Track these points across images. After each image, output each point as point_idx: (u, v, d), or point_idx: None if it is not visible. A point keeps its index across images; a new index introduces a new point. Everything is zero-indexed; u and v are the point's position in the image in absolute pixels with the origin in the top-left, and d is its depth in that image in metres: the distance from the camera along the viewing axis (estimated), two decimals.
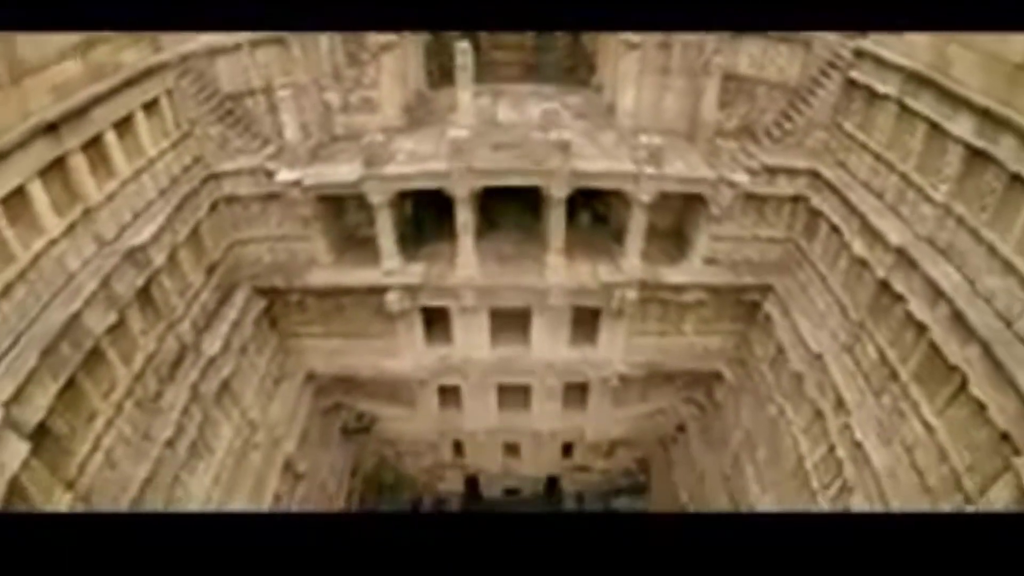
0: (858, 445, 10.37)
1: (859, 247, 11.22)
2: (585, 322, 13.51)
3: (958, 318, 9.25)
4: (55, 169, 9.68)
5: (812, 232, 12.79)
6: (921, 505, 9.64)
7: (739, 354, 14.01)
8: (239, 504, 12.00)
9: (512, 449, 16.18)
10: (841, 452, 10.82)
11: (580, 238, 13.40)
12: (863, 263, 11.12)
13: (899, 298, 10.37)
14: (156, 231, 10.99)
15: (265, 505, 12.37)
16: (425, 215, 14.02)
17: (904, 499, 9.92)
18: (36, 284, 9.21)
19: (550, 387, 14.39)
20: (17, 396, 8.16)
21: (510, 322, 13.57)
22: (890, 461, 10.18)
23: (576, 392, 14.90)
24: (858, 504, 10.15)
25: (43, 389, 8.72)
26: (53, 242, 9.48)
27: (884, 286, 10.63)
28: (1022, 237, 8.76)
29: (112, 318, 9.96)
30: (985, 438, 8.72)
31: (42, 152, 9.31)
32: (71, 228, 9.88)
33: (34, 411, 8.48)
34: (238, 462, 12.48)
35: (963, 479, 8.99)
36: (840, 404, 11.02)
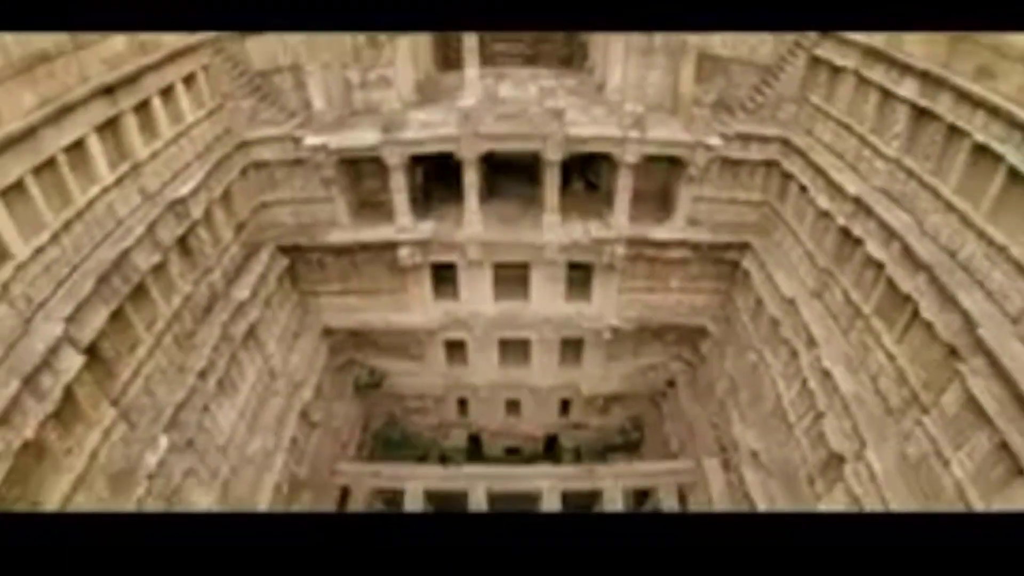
0: (827, 374, 11.44)
1: (823, 201, 12.42)
2: (580, 279, 14.72)
3: (908, 253, 10.41)
4: (109, 127, 10.90)
5: (784, 194, 14.02)
6: (883, 421, 10.69)
7: (723, 310, 15.13)
8: (261, 439, 12.91)
9: (513, 406, 17.12)
10: (813, 384, 11.85)
11: (574, 203, 14.63)
12: (827, 215, 12.32)
13: (858, 242, 11.56)
14: (194, 187, 12.16)
15: (284, 443, 13.26)
16: (433, 183, 15.29)
17: (868, 420, 10.93)
18: (91, 225, 10.35)
19: (548, 340, 15.52)
20: (74, 316, 9.23)
21: (511, 279, 14.82)
22: (856, 387, 11.22)
23: (572, 348, 16.02)
24: (828, 427, 11.12)
25: (96, 313, 9.79)
26: (106, 190, 10.66)
27: (845, 233, 11.83)
28: (960, 180, 9.99)
29: (156, 259, 11.08)
30: (936, 355, 9.82)
31: (100, 111, 10.53)
32: (121, 180, 11.06)
33: (88, 331, 9.56)
34: (260, 403, 13.49)
35: (920, 395, 10.05)
36: (811, 342, 12.10)
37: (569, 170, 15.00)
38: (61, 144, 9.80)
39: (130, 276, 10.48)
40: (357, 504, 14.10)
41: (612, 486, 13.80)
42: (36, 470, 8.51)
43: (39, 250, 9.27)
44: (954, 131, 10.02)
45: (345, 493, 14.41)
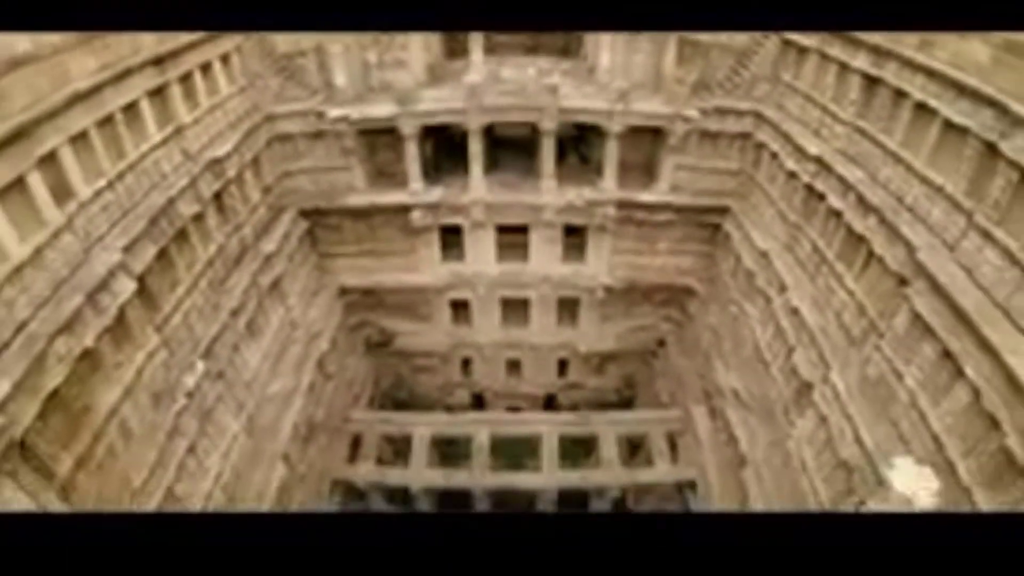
0: (796, 312, 12.59)
1: (791, 163, 13.69)
2: (575, 242, 15.91)
3: (862, 201, 11.63)
4: (158, 94, 12.23)
5: (758, 162, 15.31)
6: (846, 349, 11.78)
7: (707, 271, 16.35)
8: (281, 381, 13.95)
9: (514, 366, 18.19)
10: (784, 323, 12.99)
11: (568, 173, 15.95)
12: (794, 176, 13.58)
13: (822, 197, 12.80)
14: (229, 151, 13.48)
15: (303, 387, 14.30)
16: (441, 157, 16.59)
17: (832, 349, 12.04)
18: (141, 176, 11.61)
19: (546, 300, 16.69)
20: (128, 249, 10.39)
21: (512, 241, 16.10)
22: (822, 322, 12.35)
23: (568, 307, 17.20)
24: (798, 359, 12.20)
25: (145, 250, 11.00)
26: (154, 147, 11.93)
27: (810, 190, 13.07)
28: (904, 134, 11.26)
29: (196, 208, 12.32)
30: (888, 286, 10.98)
31: (151, 79, 11.86)
32: (166, 140, 12.35)
33: (139, 264, 10.74)
34: (282, 349, 14.66)
35: (876, 323, 11.16)
36: (783, 288, 13.27)
37: (564, 146, 16.38)
38: (119, 104, 11.11)
39: (174, 221, 11.72)
40: (369, 448, 15.06)
41: (606, 432, 14.81)
42: (91, 378, 9.61)
43: (98, 193, 10.52)
44: (899, 94, 11.36)
45: (357, 440, 15.35)
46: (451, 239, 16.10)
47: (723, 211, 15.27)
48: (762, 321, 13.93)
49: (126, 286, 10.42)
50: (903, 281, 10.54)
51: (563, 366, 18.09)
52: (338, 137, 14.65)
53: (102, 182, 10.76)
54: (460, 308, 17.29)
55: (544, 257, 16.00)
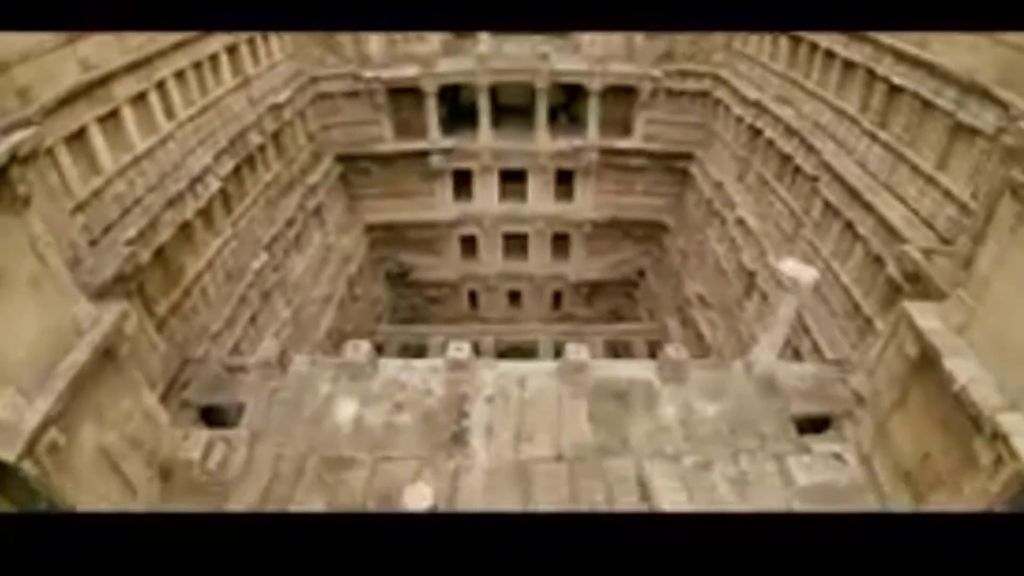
0: (742, 221, 15.23)
1: (738, 110, 16.55)
2: (564, 183, 18.70)
3: (788, 129, 14.42)
4: (232, 51, 15.28)
5: (716, 115, 18.21)
6: (780, 243, 14.36)
7: (677, 209, 19.07)
8: (320, 289, 16.55)
9: (515, 298, 20.80)
10: (734, 233, 15.62)
11: (559, 130, 18.90)
12: (740, 119, 16.42)
13: (760, 132, 15.59)
14: (285, 100, 16.41)
15: (335, 299, 16.87)
16: (454, 117, 19.53)
17: (772, 245, 14.63)
18: (222, 111, 14.48)
19: (541, 233, 19.41)
20: (215, 158, 13.18)
21: (513, 185, 18.82)
22: (764, 227, 14.97)
23: (561, 242, 19.82)
24: (745, 256, 14.82)
25: (225, 163, 13.73)
26: (229, 91, 14.86)
27: (752, 128, 15.88)
28: (818, 74, 14.11)
29: (260, 140, 15.15)
30: (807, 190, 13.68)
31: (227, 38, 14.93)
32: (238, 87, 15.28)
33: (221, 171, 13.48)
34: (320, 264, 17.36)
35: (801, 217, 13.81)
36: (733, 206, 15.92)
37: (555, 111, 19.38)
38: (206, 53, 14.17)
39: (246, 146, 14.57)
40: (389, 355, 17.54)
41: (595, 341, 17.28)
42: (185, 247, 12.28)
43: (191, 117, 13.42)
44: (813, 47, 14.35)
45: (379, 349, 17.80)
46: (462, 182, 18.98)
47: (688, 157, 18.13)
48: (719, 239, 16.59)
49: (213, 184, 13.23)
50: (815, 179, 13.33)
51: (557, 298, 20.66)
52: (370, 95, 17.67)
53: (194, 109, 13.74)
54: (468, 243, 19.98)
55: (539, 197, 18.85)
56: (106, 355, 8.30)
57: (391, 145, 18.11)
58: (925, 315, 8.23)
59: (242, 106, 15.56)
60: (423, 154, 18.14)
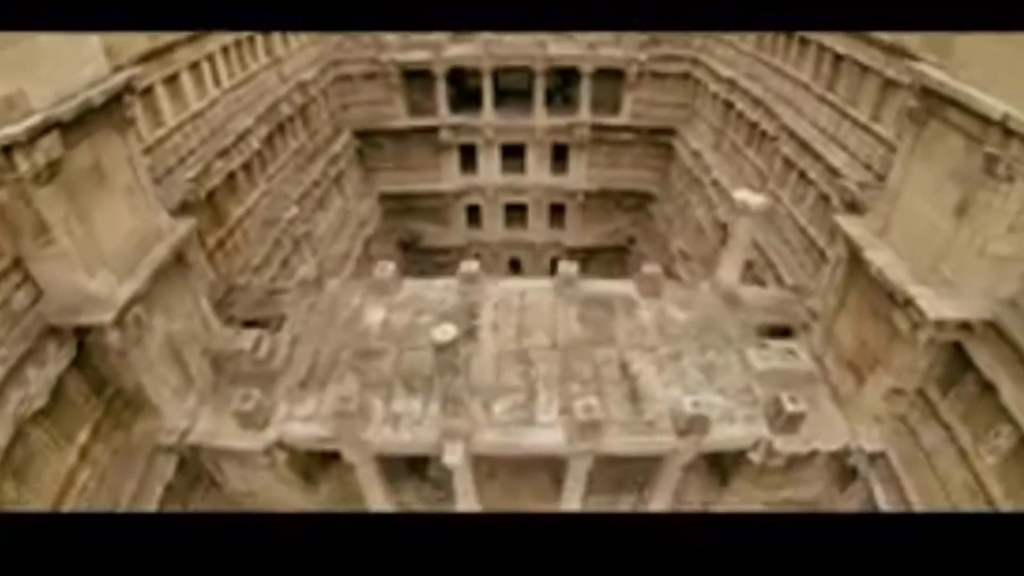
0: (716, 183, 17.00)
1: (714, 87, 18.40)
2: (560, 158, 20.54)
3: (756, 101, 16.28)
4: (267, 37, 17.22)
5: (695, 94, 19.99)
6: (748, 195, 16.06)
7: (662, 180, 20.87)
8: (338, 247, 18.26)
9: (515, 264, 22.47)
10: (710, 192, 17.38)
11: (555, 110, 20.72)
12: (716, 95, 18.30)
13: (732, 105, 17.45)
14: (312, 77, 18.29)
15: (352, 259, 18.55)
16: (460, 99, 21.37)
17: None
18: (256, 86, 16.31)
19: (539, 203, 21.12)
20: (255, 124, 14.98)
21: (513, 159, 20.59)
22: (734, 185, 16.72)
23: (557, 213, 21.57)
24: (720, 211, 16.57)
25: (262, 128, 15.52)
26: (263, 68, 16.74)
27: (727, 103, 17.76)
28: (782, 54, 16.01)
29: (290, 112, 16.96)
30: (769, 148, 15.49)
31: None
32: (269, 65, 17.16)
33: (257, 136, 15.28)
34: (340, 226, 19.02)
35: (765, 173, 15.61)
36: (709, 170, 17.72)
37: (551, 94, 21.33)
38: (245, 33, 16.09)
39: (279, 115, 16.35)
40: None
41: None
42: (230, 194, 14.00)
43: (233, 87, 15.21)
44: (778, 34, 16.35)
45: None
46: (467, 156, 20.79)
47: (672, 132, 19.97)
48: (699, 202, 18.33)
49: (254, 142, 15.00)
50: (776, 139, 15.20)
51: (554, 264, 22.26)
52: (386, 77, 19.57)
53: (235, 80, 15.55)
54: (473, 213, 21.73)
55: (537, 169, 20.65)
56: (178, 259, 10.03)
57: (404, 122, 19.96)
58: (852, 224, 10.00)
59: (274, 82, 17.42)
60: (433, 130, 19.96)
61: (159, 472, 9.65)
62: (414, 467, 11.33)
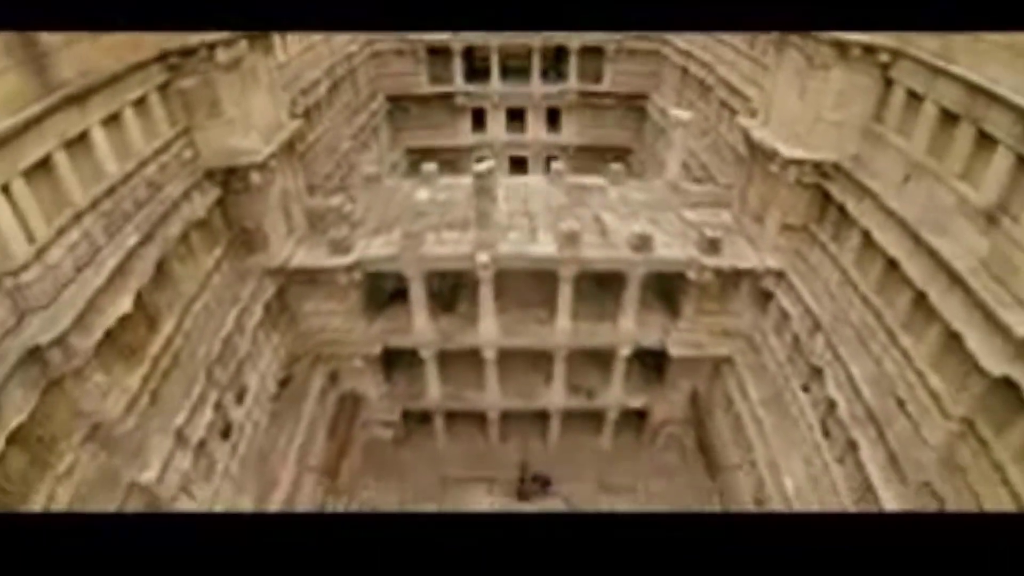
0: (684, 126, 21.88)
1: (676, 59, 23.51)
2: (554, 119, 25.50)
3: (711, 70, 21.28)
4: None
5: (663, 65, 25.06)
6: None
7: (638, 136, 25.79)
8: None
9: None
10: (672, 134, 22.21)
11: (549, 80, 25.71)
12: (676, 65, 23.38)
13: (687, 71, 22.53)
14: (355, 50, 23.26)
15: None
16: (472, 73, 26.49)
17: (695, 142, 21.22)
18: (315, 55, 21.21)
19: (537, 156, 25.88)
20: (308, 89, 19.83)
21: (515, 119, 25.50)
22: (694, 135, 21.63)
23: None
24: (672, 165, 21.37)
25: (324, 82, 20.36)
26: (317, 43, 21.70)
27: (685, 70, 22.78)
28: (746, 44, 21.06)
29: (342, 73, 21.84)
30: (726, 116, 20.43)
31: None
32: (323, 41, 22.18)
33: (315, 96, 20.10)
34: (377, 164, 23.61)
35: (726, 137, 20.49)
36: (680, 124, 22.63)
37: (547, 71, 26.49)
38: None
39: (333, 76, 21.19)
40: None
41: None
42: (306, 123, 18.75)
43: (299, 54, 20.16)
44: None
45: None
46: (478, 117, 25.73)
47: (644, 97, 25.01)
48: (664, 147, 23.30)
49: (321, 89, 19.86)
50: (712, 88, 20.20)
51: None
52: (413, 53, 24.61)
53: (300, 48, 20.49)
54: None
55: (535, 129, 25.60)
56: (290, 144, 14.68)
57: (426, 89, 24.91)
58: (746, 121, 14.83)
59: (327, 52, 22.42)
60: (450, 96, 24.93)
61: (263, 291, 14.08)
62: (449, 303, 15.81)
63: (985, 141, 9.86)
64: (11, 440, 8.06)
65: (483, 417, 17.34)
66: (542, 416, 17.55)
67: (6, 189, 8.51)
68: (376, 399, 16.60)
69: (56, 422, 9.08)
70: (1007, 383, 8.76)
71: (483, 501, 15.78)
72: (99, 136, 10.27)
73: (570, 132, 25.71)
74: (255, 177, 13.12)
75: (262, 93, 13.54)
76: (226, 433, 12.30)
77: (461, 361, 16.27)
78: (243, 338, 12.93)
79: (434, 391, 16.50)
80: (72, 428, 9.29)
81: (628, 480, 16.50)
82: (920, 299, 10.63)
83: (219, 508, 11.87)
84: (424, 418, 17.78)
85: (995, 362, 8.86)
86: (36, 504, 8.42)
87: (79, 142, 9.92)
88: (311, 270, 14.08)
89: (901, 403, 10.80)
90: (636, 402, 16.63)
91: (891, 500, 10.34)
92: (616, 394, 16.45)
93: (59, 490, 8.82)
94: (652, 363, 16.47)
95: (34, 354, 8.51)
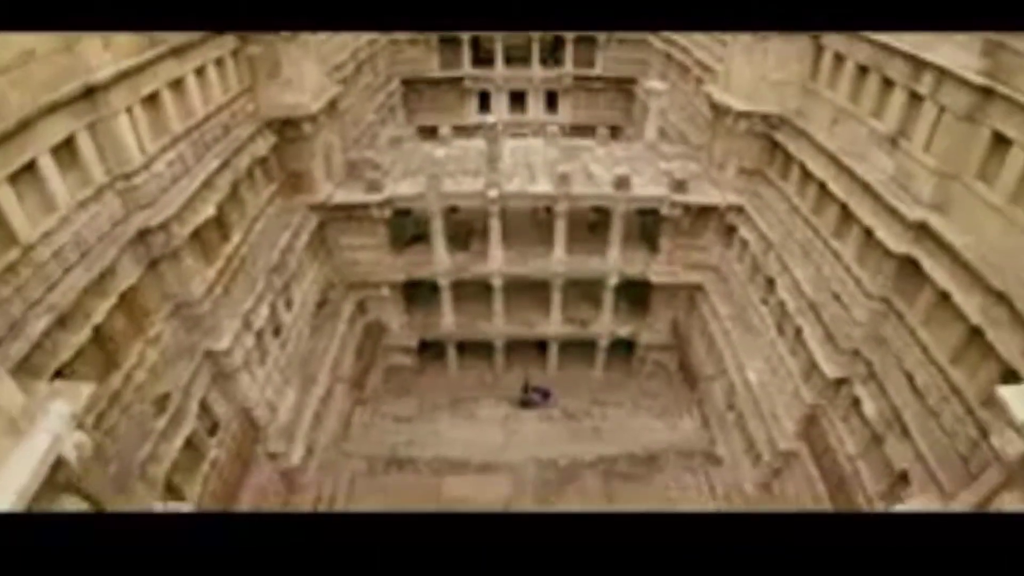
0: (664, 112, 24.71)
1: (660, 45, 26.42)
2: (552, 102, 28.42)
3: (687, 51, 24.21)
4: None
5: (649, 52, 27.86)
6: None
7: (626, 115, 28.66)
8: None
9: None
10: (650, 105, 25.08)
11: (547, 65, 28.78)
12: (670, 56, 26.27)
13: (671, 56, 25.42)
14: (374, 37, 26.17)
15: None
16: (479, 56, 29.40)
17: (679, 119, 24.01)
18: (342, 42, 24.10)
19: (536, 133, 28.68)
20: (348, 59, 22.73)
21: (517, 101, 28.39)
22: (669, 104, 24.41)
23: None
24: (653, 130, 24.18)
25: (350, 65, 23.21)
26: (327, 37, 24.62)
27: (668, 55, 25.66)
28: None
29: (364, 57, 24.70)
30: (694, 82, 23.29)
31: None
32: (330, 35, 25.12)
33: (345, 71, 22.98)
34: (397, 138, 26.40)
35: (698, 107, 23.32)
36: (655, 94, 25.49)
37: (545, 57, 29.49)
38: None
39: (357, 59, 23.98)
40: None
41: None
42: (340, 94, 21.56)
43: (325, 40, 23.08)
44: None
45: None
46: (483, 99, 28.56)
47: (633, 81, 27.94)
48: (648, 122, 26.16)
49: (348, 69, 22.66)
50: (690, 69, 23.07)
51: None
52: (426, 42, 27.53)
53: (324, 36, 23.39)
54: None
55: (535, 109, 28.47)
56: (332, 105, 17.40)
57: (437, 73, 27.83)
58: (710, 87, 17.62)
59: (350, 39, 25.36)
60: (459, 80, 27.86)
61: (308, 223, 16.72)
62: (463, 242, 18.45)
63: (887, 85, 12.67)
64: (118, 304, 10.65)
65: (490, 347, 19.83)
66: (542, 347, 20.05)
67: (130, 110, 11.20)
68: (397, 328, 19.14)
69: (150, 297, 11.67)
70: (910, 261, 11.43)
71: (490, 410, 18.20)
72: (191, 82, 12.99)
73: (566, 112, 28.56)
74: (306, 127, 15.85)
75: (312, 60, 16.30)
76: (277, 331, 14.83)
77: (472, 295, 18.83)
78: (292, 257, 15.51)
79: (448, 321, 19.04)
80: (162, 304, 11.88)
81: (619, 399, 18.95)
82: (844, 210, 13.30)
83: (269, 393, 14.41)
84: (438, 352, 20.26)
85: (897, 243, 11.52)
86: (129, 360, 10.79)
87: (177, 86, 12.65)
88: (349, 206, 16.75)
89: (836, 295, 13.39)
90: (624, 331, 19.15)
91: (827, 365, 12.97)
92: (606, 324, 18.98)
93: (148, 351, 11.34)
94: (637, 297, 19.02)
95: (143, 235, 11.14)
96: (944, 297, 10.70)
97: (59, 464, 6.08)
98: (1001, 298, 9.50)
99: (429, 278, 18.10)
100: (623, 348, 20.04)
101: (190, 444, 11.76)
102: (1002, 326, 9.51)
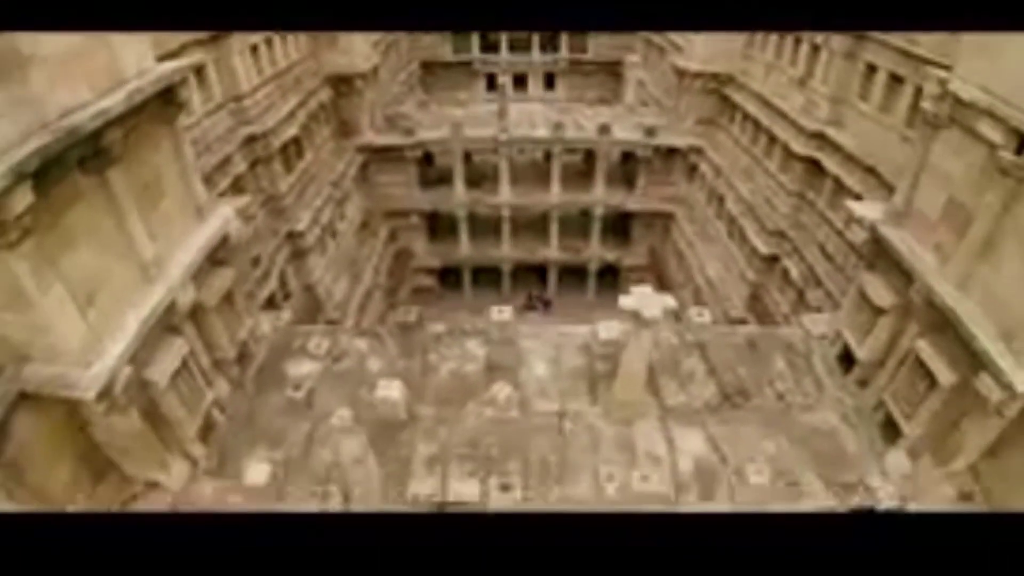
0: (642, 83, 29.13)
1: (651, 38, 31.06)
2: (550, 83, 32.97)
3: (666, 36, 28.74)
4: None
5: (634, 37, 32.45)
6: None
7: (616, 95, 33.17)
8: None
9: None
10: (628, 73, 29.52)
11: (545, 52, 33.38)
12: (652, 42, 30.85)
13: (652, 42, 29.98)
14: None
15: None
16: (486, 44, 33.99)
17: (656, 92, 28.39)
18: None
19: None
20: (378, 41, 27.24)
21: (519, 81, 32.93)
22: (651, 78, 28.85)
23: None
24: (632, 100, 28.58)
25: (380, 46, 27.68)
26: None
27: (652, 42, 30.23)
28: None
29: (389, 40, 29.22)
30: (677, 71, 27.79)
31: None
32: None
33: (381, 45, 27.49)
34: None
35: (669, 76, 27.79)
36: (632, 64, 29.93)
37: (544, 46, 34.15)
38: None
39: (385, 41, 28.61)
40: None
41: None
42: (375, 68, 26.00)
43: None
44: None
45: None
46: (491, 80, 33.10)
47: (620, 63, 32.51)
48: (628, 89, 30.61)
49: (381, 48, 27.16)
50: (666, 50, 27.59)
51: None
52: (440, 32, 32.26)
53: None
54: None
55: (536, 90, 32.99)
56: (374, 71, 21.76)
57: (450, 58, 32.45)
58: (675, 57, 22.04)
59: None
60: (469, 63, 32.47)
61: (355, 160, 20.96)
62: (477, 183, 22.70)
63: (797, 43, 17.08)
64: (231, 185, 14.78)
65: (499, 273, 23.89)
66: (542, 274, 24.14)
67: (241, 53, 15.48)
68: (422, 253, 23.27)
69: (250, 187, 15.83)
70: (812, 161, 15.72)
71: (499, 311, 22.15)
72: (276, 40, 17.34)
73: (562, 91, 33.09)
74: (357, 82, 20.17)
75: (359, 36, 20.79)
76: (333, 234, 18.98)
77: (483, 230, 22.95)
78: (345, 181, 19.70)
79: (464, 249, 23.16)
80: (257, 197, 16.03)
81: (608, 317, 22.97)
82: (770, 136, 17.59)
83: (328, 280, 18.54)
84: (456, 280, 24.29)
85: (801, 147, 15.83)
86: None
87: (269, 43, 16.96)
88: (387, 147, 20.99)
89: (767, 199, 17.63)
90: (610, 256, 23.31)
91: (762, 246, 17.12)
92: (595, 250, 23.13)
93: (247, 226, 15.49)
94: (619, 227, 23.19)
95: (248, 141, 15.33)
96: (837, 182, 14.95)
97: (224, 241, 9.99)
98: (872, 171, 13.73)
99: (449, 210, 22.26)
100: (610, 275, 24.14)
101: (271, 302, 15.78)
102: (873, 190, 13.74)
